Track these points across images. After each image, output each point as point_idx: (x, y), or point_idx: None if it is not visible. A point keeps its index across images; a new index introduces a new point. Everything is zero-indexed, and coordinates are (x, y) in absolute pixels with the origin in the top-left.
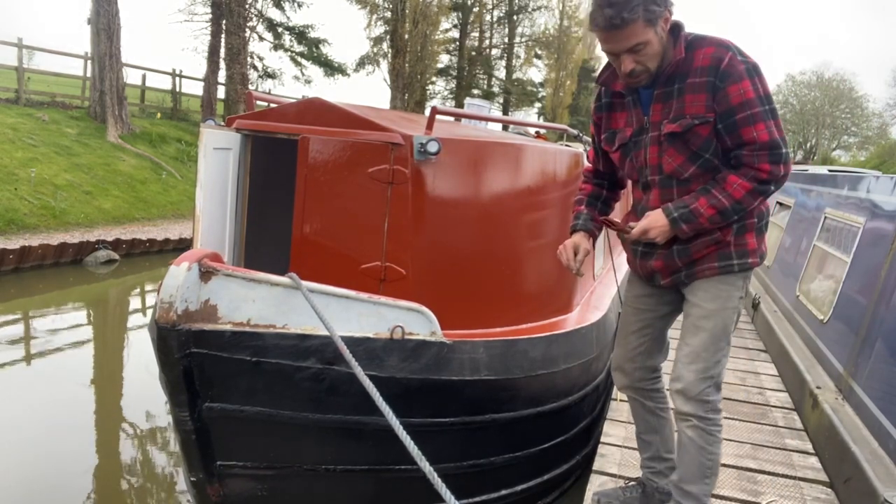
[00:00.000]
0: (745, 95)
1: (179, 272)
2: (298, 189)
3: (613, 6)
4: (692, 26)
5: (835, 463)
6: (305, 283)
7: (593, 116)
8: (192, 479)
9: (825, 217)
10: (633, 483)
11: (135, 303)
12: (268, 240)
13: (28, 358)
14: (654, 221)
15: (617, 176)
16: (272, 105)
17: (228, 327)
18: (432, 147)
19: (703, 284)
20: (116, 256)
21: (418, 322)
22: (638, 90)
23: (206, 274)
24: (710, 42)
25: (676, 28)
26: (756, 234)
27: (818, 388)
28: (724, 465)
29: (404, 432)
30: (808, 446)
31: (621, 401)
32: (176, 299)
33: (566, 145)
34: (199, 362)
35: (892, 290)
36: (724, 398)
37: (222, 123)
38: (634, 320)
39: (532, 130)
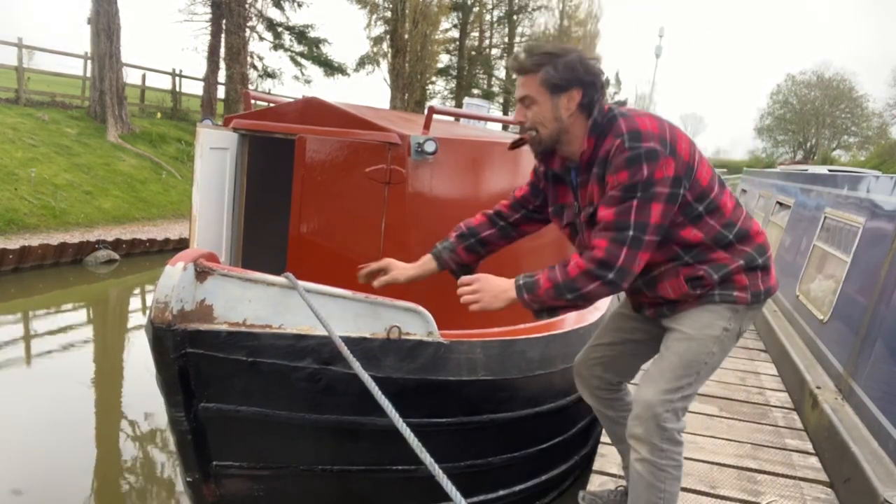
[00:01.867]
0: (618, 179)
1: (175, 272)
2: (295, 189)
3: (525, 52)
4: (691, 25)
5: (835, 463)
6: (302, 283)
7: (536, 164)
8: (188, 479)
9: (825, 217)
10: (621, 487)
11: (135, 303)
12: (265, 239)
13: (28, 358)
14: (487, 284)
15: (519, 229)
16: (270, 105)
17: (224, 327)
18: (429, 147)
19: (685, 314)
20: (116, 256)
21: (415, 322)
22: (571, 172)
23: (201, 274)
24: (613, 131)
25: (591, 113)
26: (746, 274)
27: (818, 388)
28: (724, 465)
29: (408, 430)
30: (808, 446)
31: None
32: (171, 299)
33: None
34: (195, 362)
35: (892, 290)
36: (725, 398)
37: (220, 123)
38: (607, 332)
39: None
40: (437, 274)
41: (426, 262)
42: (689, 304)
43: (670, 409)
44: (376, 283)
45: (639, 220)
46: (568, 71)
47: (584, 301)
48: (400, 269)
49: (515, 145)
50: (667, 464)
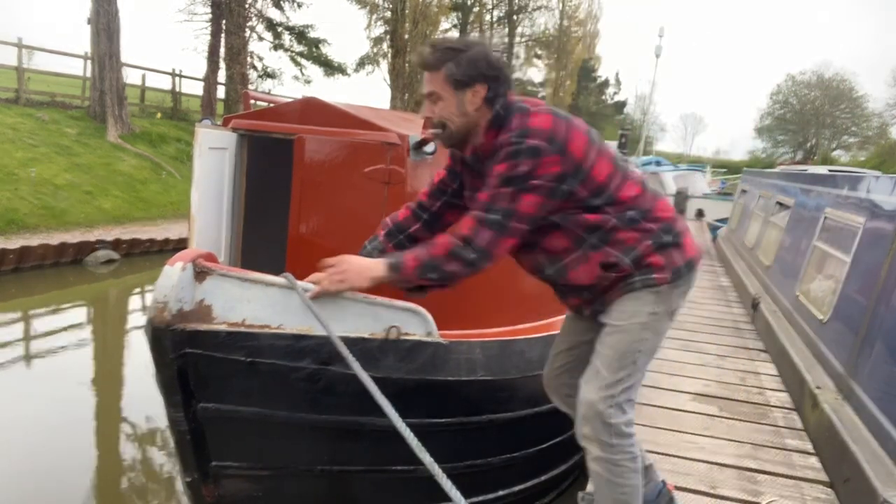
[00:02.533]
0: (498, 169)
1: (173, 272)
2: (294, 189)
3: (430, 49)
4: (691, 25)
5: (835, 463)
6: (301, 284)
7: (449, 153)
8: (187, 479)
9: (825, 217)
10: None
11: (135, 303)
12: (264, 239)
13: (28, 358)
14: (351, 264)
15: (442, 220)
16: (270, 105)
17: (223, 327)
18: (429, 147)
19: (613, 306)
20: (116, 256)
21: (414, 322)
22: (478, 161)
23: (200, 274)
24: (507, 126)
25: (495, 108)
26: (660, 253)
27: (818, 388)
28: (724, 465)
29: (408, 430)
30: (808, 446)
31: None
32: (170, 299)
33: None
34: (194, 363)
35: (892, 290)
36: (725, 398)
37: (219, 123)
38: (563, 339)
39: None
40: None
41: None
42: (614, 294)
43: (613, 405)
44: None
45: (508, 206)
46: (471, 66)
47: (447, 281)
48: None
49: (420, 145)
50: (620, 458)
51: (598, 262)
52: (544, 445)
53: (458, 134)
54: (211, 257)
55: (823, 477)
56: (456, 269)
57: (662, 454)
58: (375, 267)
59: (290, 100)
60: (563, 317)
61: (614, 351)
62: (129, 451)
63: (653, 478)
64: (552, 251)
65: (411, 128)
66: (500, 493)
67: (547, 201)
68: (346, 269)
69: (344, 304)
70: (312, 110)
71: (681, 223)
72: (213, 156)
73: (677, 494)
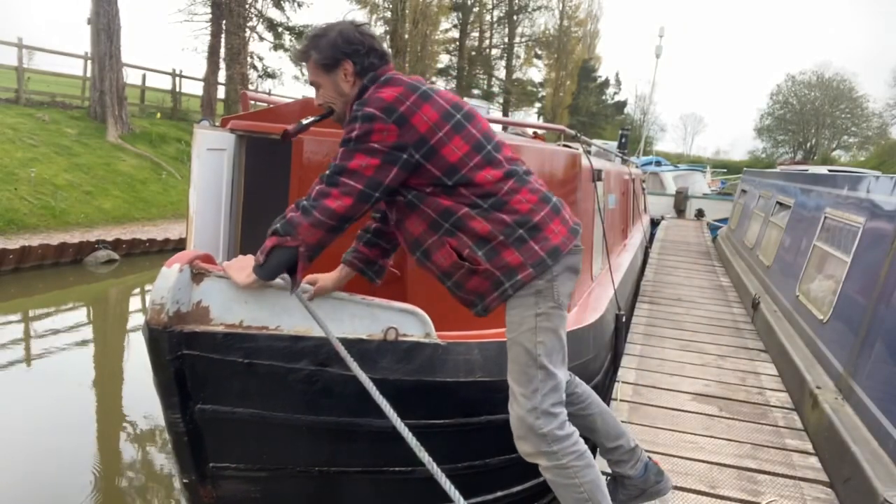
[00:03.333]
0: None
1: (170, 274)
2: (293, 190)
3: (302, 42)
4: (691, 25)
5: (835, 463)
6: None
7: None
8: (184, 480)
9: (825, 217)
10: (608, 478)
11: (135, 303)
12: (262, 241)
13: (28, 358)
14: (237, 262)
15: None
16: (268, 106)
17: (220, 329)
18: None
19: (506, 318)
20: (116, 256)
21: (412, 323)
22: None
23: (197, 275)
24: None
25: (363, 82)
26: (516, 248)
27: (818, 388)
28: (724, 465)
29: (407, 430)
30: (808, 446)
31: (622, 401)
32: (167, 301)
33: (565, 145)
34: (191, 364)
35: (892, 290)
36: (725, 398)
37: (217, 124)
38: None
39: (529, 131)
40: (431, 276)
41: (341, 270)
42: (492, 301)
43: (539, 415)
44: (307, 296)
45: (339, 163)
46: (331, 48)
47: (291, 237)
48: (325, 279)
49: (292, 133)
50: (567, 461)
51: (453, 247)
52: None
53: (342, 113)
54: (208, 258)
55: (823, 477)
56: (292, 215)
57: (662, 454)
58: (252, 262)
59: (289, 100)
60: (568, 315)
61: (517, 365)
62: (129, 451)
63: (639, 458)
64: (413, 233)
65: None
66: (499, 493)
67: (385, 166)
68: (229, 265)
69: (342, 306)
70: (311, 111)
71: (542, 213)
72: (212, 157)
73: (677, 494)
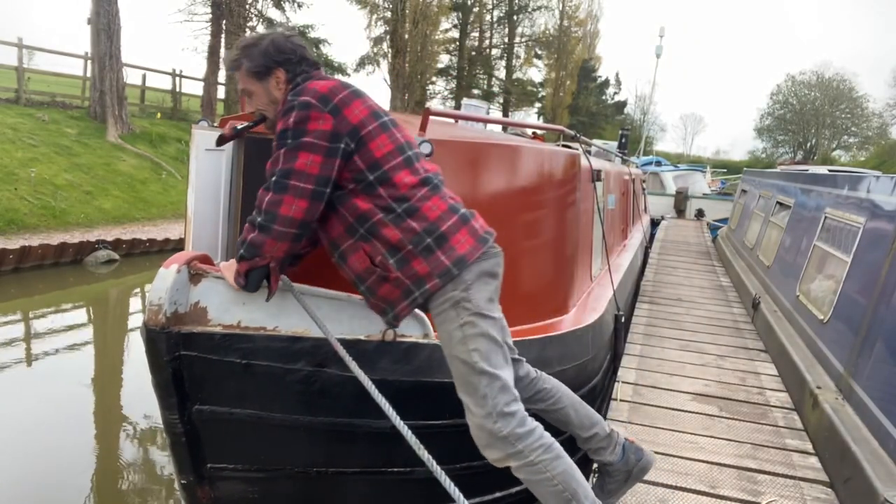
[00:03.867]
0: (277, 133)
1: (168, 274)
2: None
3: (232, 51)
4: (691, 25)
5: (835, 463)
6: (296, 286)
7: None
8: (182, 481)
9: (825, 217)
10: (594, 475)
11: (135, 303)
12: None
13: (28, 358)
14: (230, 265)
15: None
16: None
17: (218, 329)
18: (425, 148)
19: (437, 334)
20: (116, 256)
21: (411, 324)
22: None
23: (195, 276)
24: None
25: (295, 84)
26: (424, 258)
27: (818, 388)
28: (724, 465)
29: (406, 428)
30: (808, 446)
31: (622, 400)
32: (165, 301)
33: (564, 146)
34: (189, 365)
35: (893, 290)
36: (725, 398)
37: (216, 124)
38: None
39: (529, 131)
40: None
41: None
42: (402, 309)
43: (497, 418)
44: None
45: (285, 166)
46: (263, 57)
47: (259, 258)
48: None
49: (228, 138)
50: (535, 457)
51: (367, 252)
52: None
53: (275, 120)
54: (206, 259)
55: (823, 477)
56: (251, 236)
57: (662, 454)
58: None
59: None
60: (560, 319)
61: (460, 378)
62: (128, 450)
63: (617, 441)
64: (331, 235)
65: (409, 129)
66: (497, 494)
67: (328, 160)
68: (224, 266)
69: (340, 306)
70: None
71: (449, 222)
72: (210, 157)
73: (677, 494)
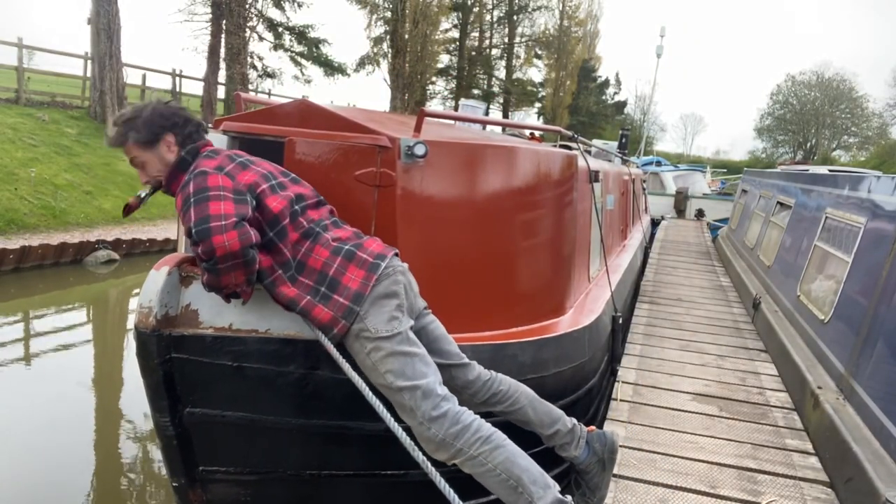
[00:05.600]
0: (178, 203)
1: (159, 277)
2: None
3: (115, 128)
4: (692, 25)
5: (836, 463)
6: None
7: None
8: (174, 484)
9: (826, 217)
10: (571, 479)
11: (135, 303)
12: None
13: (28, 358)
14: None
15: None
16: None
17: (209, 332)
18: (419, 150)
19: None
20: (116, 256)
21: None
22: None
23: (186, 278)
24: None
25: (182, 153)
26: (324, 305)
27: (819, 388)
28: (724, 465)
29: (401, 430)
30: (809, 446)
31: (621, 401)
32: (155, 304)
33: (562, 146)
34: (180, 367)
35: (894, 291)
36: (725, 398)
37: (210, 126)
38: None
39: (527, 132)
40: (425, 278)
41: None
42: (336, 336)
43: (429, 425)
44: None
45: (198, 218)
46: (149, 125)
47: (238, 288)
48: None
49: (134, 207)
50: (474, 451)
51: (283, 293)
52: (538, 448)
53: (168, 181)
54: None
55: (823, 477)
56: (205, 278)
57: (662, 454)
58: None
59: (284, 101)
60: (557, 320)
61: (389, 398)
62: (128, 450)
63: (580, 435)
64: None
65: (404, 131)
66: (492, 496)
67: (238, 199)
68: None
69: None
70: (304, 112)
71: (335, 266)
72: None
73: (677, 494)
